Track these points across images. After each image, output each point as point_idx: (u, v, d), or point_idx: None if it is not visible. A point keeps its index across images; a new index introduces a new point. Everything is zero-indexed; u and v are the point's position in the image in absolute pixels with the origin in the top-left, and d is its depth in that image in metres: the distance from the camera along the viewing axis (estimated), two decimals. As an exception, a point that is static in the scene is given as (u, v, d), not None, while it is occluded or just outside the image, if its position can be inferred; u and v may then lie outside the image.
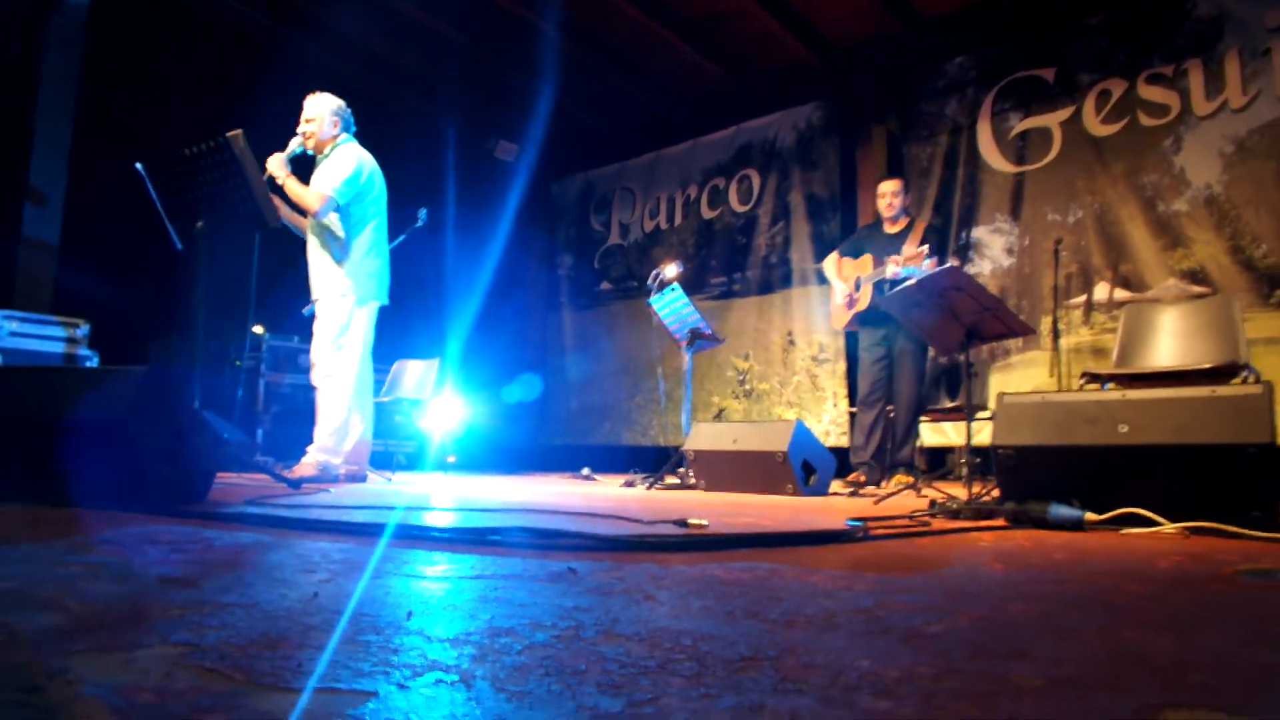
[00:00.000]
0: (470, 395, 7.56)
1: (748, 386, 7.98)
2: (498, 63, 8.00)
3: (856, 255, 5.44)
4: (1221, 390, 2.20)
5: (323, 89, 4.61)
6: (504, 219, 8.79)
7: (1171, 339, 3.93)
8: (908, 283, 3.25)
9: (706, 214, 8.58)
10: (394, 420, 6.53)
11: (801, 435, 4.13)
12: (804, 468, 4.15)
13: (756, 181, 8.21)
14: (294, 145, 4.27)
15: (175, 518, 2.12)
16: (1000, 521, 2.46)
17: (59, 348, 5.87)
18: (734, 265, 8.27)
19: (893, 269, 5.04)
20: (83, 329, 6.01)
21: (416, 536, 1.84)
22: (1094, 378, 3.71)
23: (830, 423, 7.39)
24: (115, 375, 2.43)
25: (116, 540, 1.62)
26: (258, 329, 7.30)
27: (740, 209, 8.32)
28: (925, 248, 4.84)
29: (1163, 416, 2.23)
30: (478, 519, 2.36)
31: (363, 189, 4.33)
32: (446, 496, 3.51)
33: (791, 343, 7.74)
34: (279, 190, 4.10)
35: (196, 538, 1.70)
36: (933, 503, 2.73)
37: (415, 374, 6.51)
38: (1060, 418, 2.37)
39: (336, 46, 7.64)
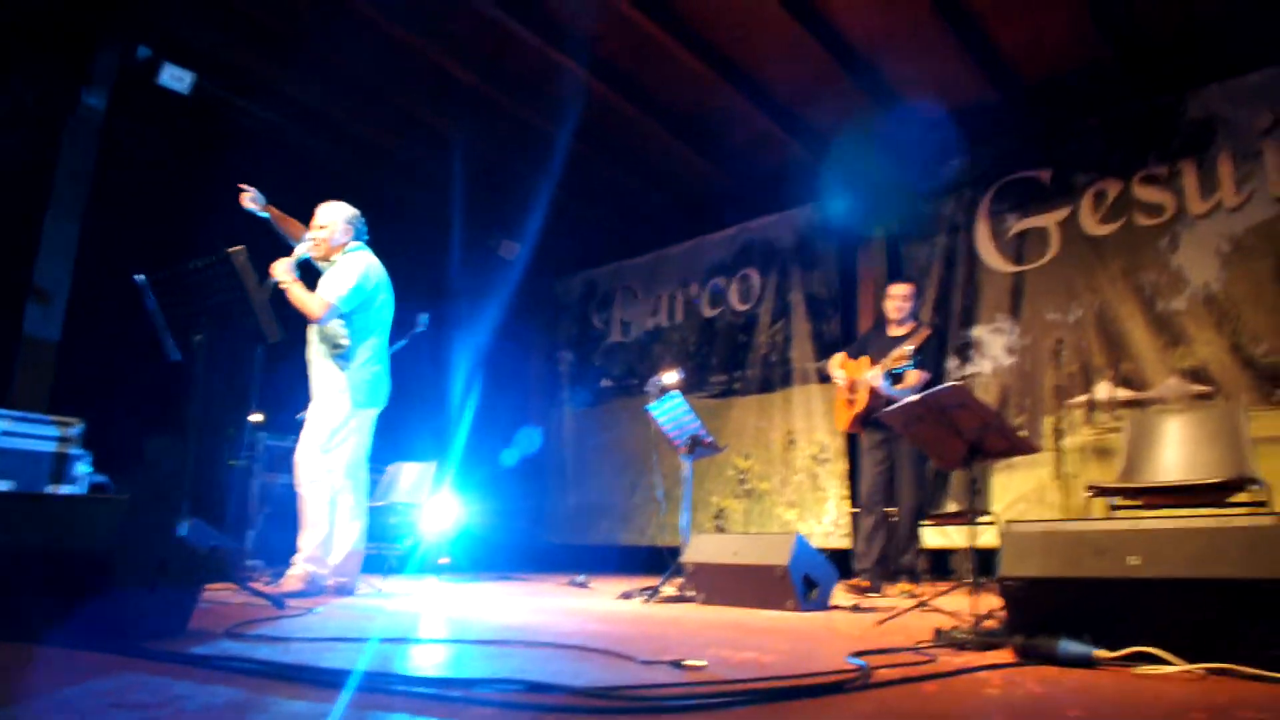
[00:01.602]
0: (467, 494, 7.46)
1: (748, 486, 7.88)
2: (502, 161, 8.12)
3: (858, 356, 5.45)
4: (1235, 521, 2.13)
5: (328, 187, 4.67)
6: (505, 316, 8.82)
7: (1178, 448, 3.87)
8: (910, 398, 3.21)
9: (707, 312, 8.61)
10: (388, 523, 6.42)
11: (802, 549, 4.04)
12: (805, 582, 4.04)
13: (757, 280, 8.26)
14: (301, 250, 4.29)
15: (148, 661, 2.03)
16: (1008, 654, 2.36)
17: (50, 447, 5.82)
18: (734, 364, 8.26)
19: (873, 375, 5.05)
20: (76, 428, 5.96)
21: (399, 692, 1.75)
22: (1101, 491, 3.64)
23: (831, 523, 7.27)
24: (98, 504, 2.37)
25: (79, 706, 1.53)
26: (256, 417, 7.24)
27: (741, 307, 8.35)
28: (908, 349, 4.85)
29: (1174, 548, 2.15)
30: (465, 661, 2.27)
31: (368, 298, 4.33)
32: (435, 620, 3.40)
33: (792, 442, 7.68)
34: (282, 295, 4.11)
35: (167, 697, 1.62)
36: (938, 631, 2.63)
37: (411, 476, 6.43)
38: (1068, 548, 2.30)
39: (341, 142, 7.77)
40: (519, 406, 9.64)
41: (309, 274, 4.40)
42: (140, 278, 3.62)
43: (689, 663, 2.15)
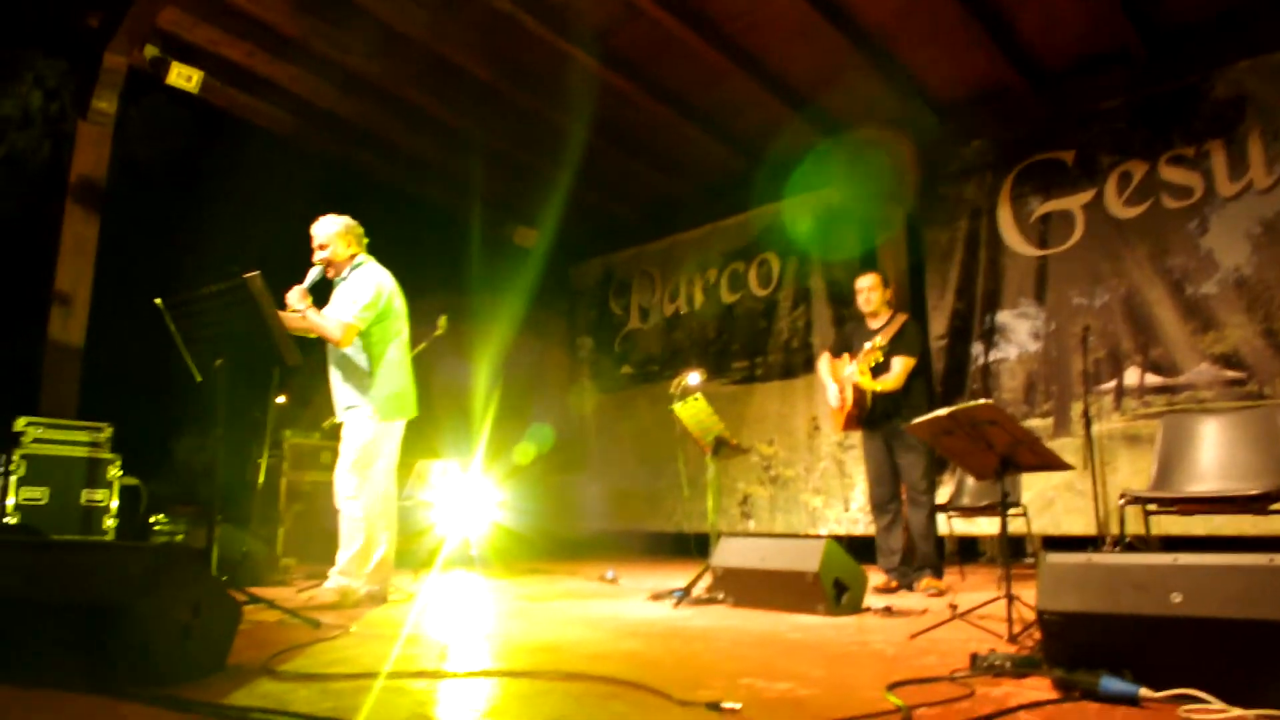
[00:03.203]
0: (493, 487, 7.47)
1: (773, 473, 7.87)
2: (516, 153, 8.08)
3: (840, 354, 5.32)
4: (1281, 558, 2.09)
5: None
6: (524, 305, 8.80)
7: (1215, 451, 3.82)
8: (938, 412, 3.17)
9: (726, 298, 8.56)
10: (416, 520, 6.45)
11: (832, 554, 4.02)
12: (836, 585, 4.03)
13: (776, 265, 8.20)
14: (313, 275, 4.26)
15: (191, 716, 2.05)
16: (1046, 685, 2.34)
17: (83, 452, 5.89)
18: (755, 349, 8.23)
19: (850, 374, 4.98)
20: (106, 433, 6.03)
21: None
22: (1135, 499, 3.60)
23: (858, 510, 7.26)
24: (126, 553, 2.37)
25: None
26: (280, 399, 7.26)
27: (760, 293, 8.30)
28: (880, 342, 4.80)
29: (1219, 586, 2.12)
30: (501, 704, 2.26)
31: (383, 311, 4.30)
32: (467, 639, 3.40)
33: (817, 428, 7.65)
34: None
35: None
36: (974, 657, 2.61)
37: (437, 473, 6.46)
38: (1108, 582, 2.27)
39: (353, 140, 7.74)
40: (541, 396, 9.64)
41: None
42: (158, 301, 3.61)
43: (725, 705, 2.14)
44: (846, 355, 5.19)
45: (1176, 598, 2.15)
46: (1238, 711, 2.00)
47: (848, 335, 5.43)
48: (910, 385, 5.03)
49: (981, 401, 2.95)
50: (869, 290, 5.28)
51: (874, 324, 5.25)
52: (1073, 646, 2.31)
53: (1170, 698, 2.10)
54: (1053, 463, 3.02)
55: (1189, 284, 5.91)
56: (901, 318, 5.21)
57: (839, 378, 5.19)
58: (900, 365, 4.97)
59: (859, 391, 5.02)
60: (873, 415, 5.07)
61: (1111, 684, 2.17)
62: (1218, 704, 2.03)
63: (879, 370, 4.96)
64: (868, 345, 4.92)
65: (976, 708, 2.18)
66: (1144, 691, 2.13)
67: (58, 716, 2.07)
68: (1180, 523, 5.18)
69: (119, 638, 2.28)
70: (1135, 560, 2.26)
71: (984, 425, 2.99)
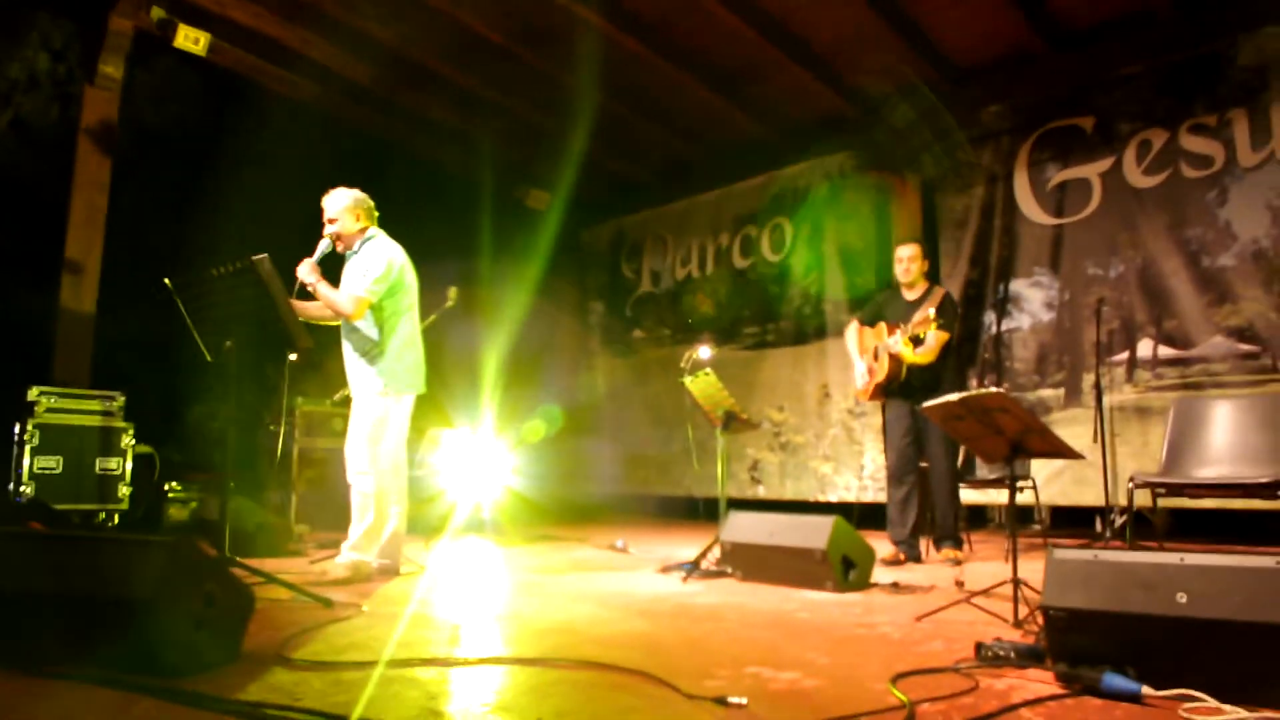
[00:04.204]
0: (506, 453, 7.50)
1: (783, 439, 7.88)
2: (529, 113, 8.00)
3: (873, 323, 5.30)
4: (1291, 561, 2.09)
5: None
6: (535, 269, 8.76)
7: (1226, 435, 3.80)
8: (948, 397, 3.16)
9: (739, 263, 8.52)
10: (429, 487, 6.51)
11: (840, 532, 4.04)
12: (844, 563, 4.06)
13: (789, 230, 8.14)
14: (323, 248, 4.24)
15: (206, 712, 2.08)
16: (1050, 678, 2.36)
17: (96, 421, 5.94)
18: (767, 315, 8.20)
19: (894, 342, 4.96)
20: (119, 401, 6.06)
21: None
22: (1145, 483, 3.59)
23: (868, 477, 7.28)
24: (141, 547, 2.40)
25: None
26: (293, 357, 7.28)
27: (773, 258, 8.25)
28: (931, 312, 4.76)
29: (1226, 588, 2.12)
30: (509, 696, 2.29)
31: (394, 285, 4.30)
32: (477, 621, 3.44)
33: (827, 395, 7.65)
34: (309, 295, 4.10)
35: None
36: (979, 646, 2.63)
37: (448, 441, 6.49)
38: (1113, 580, 2.27)
39: (364, 103, 7.67)
40: (552, 361, 9.64)
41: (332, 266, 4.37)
42: (168, 282, 3.61)
43: (731, 700, 2.17)
44: (883, 325, 5.17)
45: (1182, 598, 2.15)
46: (1240, 712, 2.01)
47: (880, 304, 5.41)
48: (946, 359, 5.05)
49: (992, 389, 2.94)
50: (909, 260, 5.24)
51: (910, 295, 5.23)
52: (1077, 642, 2.32)
53: (1172, 697, 2.12)
54: (1063, 451, 3.02)
55: (1206, 256, 5.84)
56: (940, 291, 5.19)
57: (876, 344, 5.18)
58: (935, 339, 4.95)
59: (895, 362, 5.02)
60: (908, 387, 5.06)
61: (1114, 681, 2.18)
62: (1220, 705, 2.04)
63: (918, 342, 4.96)
64: (917, 317, 4.88)
65: (980, 704, 2.20)
66: (1146, 690, 2.15)
67: (71, 710, 2.11)
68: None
69: (131, 632, 2.31)
70: (1141, 559, 2.27)
71: (994, 412, 2.99)
